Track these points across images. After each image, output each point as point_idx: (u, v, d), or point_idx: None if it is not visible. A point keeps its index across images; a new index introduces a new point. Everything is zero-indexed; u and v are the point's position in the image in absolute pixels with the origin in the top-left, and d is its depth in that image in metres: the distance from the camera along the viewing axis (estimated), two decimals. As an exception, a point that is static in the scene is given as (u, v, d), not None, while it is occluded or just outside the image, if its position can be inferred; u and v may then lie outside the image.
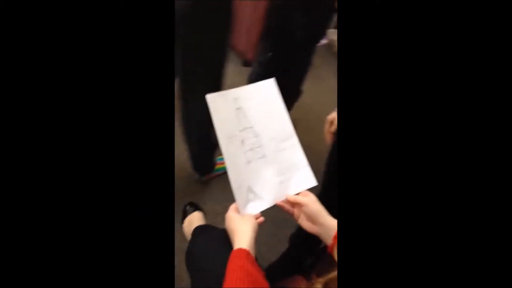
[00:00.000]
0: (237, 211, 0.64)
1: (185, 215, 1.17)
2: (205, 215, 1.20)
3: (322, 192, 1.00)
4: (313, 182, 0.73)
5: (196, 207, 1.20)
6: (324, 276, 0.37)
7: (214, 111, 0.67)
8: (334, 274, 0.36)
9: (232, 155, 0.67)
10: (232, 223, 0.61)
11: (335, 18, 1.51)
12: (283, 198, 0.69)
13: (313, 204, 0.66)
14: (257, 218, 0.65)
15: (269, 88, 0.76)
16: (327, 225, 0.64)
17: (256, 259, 0.68)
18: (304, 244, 1.02)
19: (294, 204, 0.68)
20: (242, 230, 0.58)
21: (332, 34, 2.79)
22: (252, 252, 0.55)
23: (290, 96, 1.73)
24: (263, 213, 0.67)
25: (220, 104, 0.68)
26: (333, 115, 0.97)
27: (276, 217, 1.24)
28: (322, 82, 2.29)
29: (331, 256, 0.65)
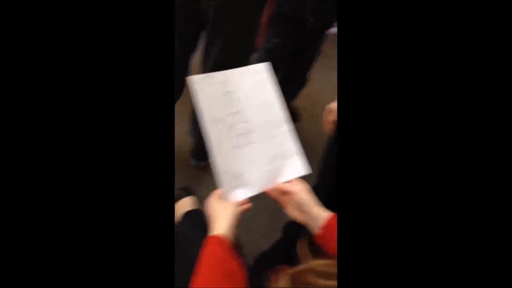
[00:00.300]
0: (220, 197, 0.63)
1: (177, 198, 1.16)
2: (199, 200, 1.20)
3: (317, 182, 0.97)
4: (304, 170, 0.70)
5: (189, 192, 1.19)
6: (293, 268, 0.35)
7: (198, 93, 0.65)
8: (303, 266, 0.34)
9: (218, 139, 0.65)
10: (211, 209, 0.60)
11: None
12: (272, 186, 0.67)
13: (303, 193, 0.64)
14: (242, 205, 0.63)
15: (261, 72, 0.73)
16: (314, 214, 0.62)
17: (240, 246, 0.67)
18: (298, 234, 1.01)
19: (283, 192, 0.66)
20: (220, 216, 0.57)
21: (346, 22, 2.71)
22: (229, 239, 0.53)
23: (295, 83, 1.71)
24: (258, 200, 0.66)
25: (206, 86, 0.66)
26: (333, 104, 0.94)
27: (272, 206, 1.22)
28: (333, 72, 2.24)
29: (317, 247, 0.63)
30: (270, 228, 1.16)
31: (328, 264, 0.32)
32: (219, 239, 0.52)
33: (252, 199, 0.66)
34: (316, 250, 0.58)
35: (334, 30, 2.77)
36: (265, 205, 1.23)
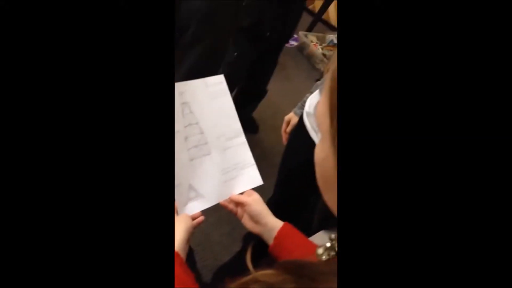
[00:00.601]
0: (175, 210, 0.62)
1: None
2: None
3: (273, 192, 0.99)
4: (259, 181, 0.72)
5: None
6: (237, 281, 0.35)
7: None
8: (247, 278, 0.35)
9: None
10: None
11: (307, 20, 1.52)
12: (227, 197, 0.68)
13: (256, 204, 0.64)
14: (195, 218, 0.63)
15: (218, 84, 0.74)
16: (269, 225, 0.63)
17: (194, 260, 0.66)
18: (257, 244, 1.01)
19: (238, 203, 0.67)
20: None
21: (303, 36, 2.82)
22: (182, 253, 0.53)
23: (255, 95, 1.74)
24: (218, 212, 0.65)
25: None
26: (290, 115, 0.97)
27: (232, 217, 1.23)
28: (291, 83, 2.31)
29: (272, 258, 0.64)
30: (230, 240, 1.16)
31: (270, 274, 0.33)
32: (170, 254, 0.51)
33: (211, 210, 0.66)
34: (268, 261, 0.59)
35: (291, 43, 2.87)
36: (225, 216, 1.23)
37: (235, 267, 1.01)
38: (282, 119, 1.00)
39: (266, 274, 0.33)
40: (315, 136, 0.81)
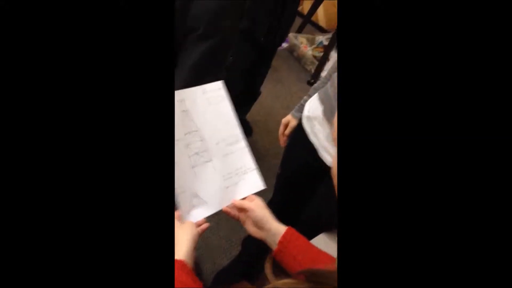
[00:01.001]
0: (178, 219, 0.61)
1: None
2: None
3: (273, 196, 0.99)
4: (260, 186, 0.72)
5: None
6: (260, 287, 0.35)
7: None
8: (268, 287, 0.35)
9: (175, 159, 0.64)
10: None
11: (296, 21, 1.53)
12: (229, 203, 0.68)
13: (259, 209, 0.65)
14: (200, 225, 0.63)
15: (217, 90, 0.74)
16: (272, 230, 0.63)
17: (199, 268, 0.66)
18: (256, 248, 1.01)
19: (240, 209, 0.67)
20: (179, 239, 0.56)
21: (293, 38, 2.84)
22: (189, 262, 0.53)
23: (248, 98, 1.74)
24: (217, 215, 0.65)
25: None
26: (288, 118, 0.98)
27: (231, 221, 1.23)
28: (283, 85, 2.32)
29: (276, 262, 0.64)
30: (229, 244, 1.16)
31: (291, 283, 0.33)
32: (180, 263, 0.50)
33: (210, 214, 0.66)
34: (281, 268, 0.59)
35: (282, 45, 2.88)
36: (224, 220, 1.23)
37: (234, 271, 1.01)
38: (275, 121, 1.01)
39: (287, 283, 0.33)
40: (315, 140, 0.82)
